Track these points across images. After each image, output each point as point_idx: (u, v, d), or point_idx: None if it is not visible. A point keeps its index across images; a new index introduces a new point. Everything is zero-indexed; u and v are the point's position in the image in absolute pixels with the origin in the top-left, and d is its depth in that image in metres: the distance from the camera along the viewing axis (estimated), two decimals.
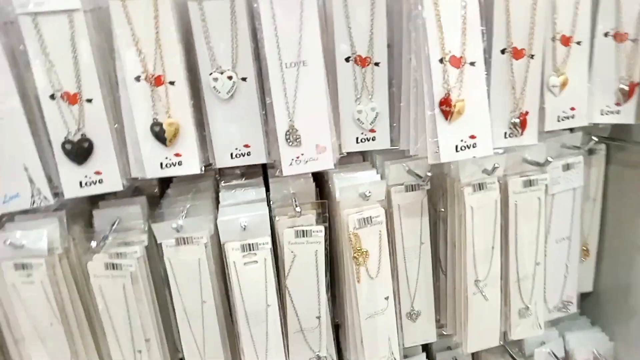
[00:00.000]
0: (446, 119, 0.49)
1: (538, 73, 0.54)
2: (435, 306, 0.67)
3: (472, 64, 0.49)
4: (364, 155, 0.66)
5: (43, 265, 0.52)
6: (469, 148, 0.51)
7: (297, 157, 0.52)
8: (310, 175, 0.61)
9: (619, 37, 0.59)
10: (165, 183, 0.66)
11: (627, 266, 0.70)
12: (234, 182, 0.62)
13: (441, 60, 0.49)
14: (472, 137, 0.50)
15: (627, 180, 0.68)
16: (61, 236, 0.54)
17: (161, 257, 0.55)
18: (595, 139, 0.61)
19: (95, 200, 0.59)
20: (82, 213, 0.59)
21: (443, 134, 0.49)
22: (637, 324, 0.69)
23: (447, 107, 0.49)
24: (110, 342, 0.56)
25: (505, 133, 0.55)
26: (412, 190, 0.61)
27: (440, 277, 0.68)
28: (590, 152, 0.68)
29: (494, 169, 0.56)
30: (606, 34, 0.59)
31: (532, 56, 0.53)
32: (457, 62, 0.49)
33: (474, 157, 0.51)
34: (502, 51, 0.53)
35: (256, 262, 0.55)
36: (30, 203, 0.49)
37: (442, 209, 0.64)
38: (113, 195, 0.62)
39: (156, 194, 0.66)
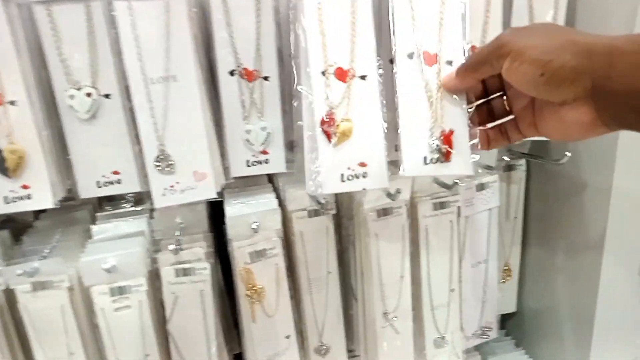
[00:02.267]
0: (329, 141, 0.43)
1: None
2: (348, 336, 0.62)
3: (362, 77, 0.44)
4: (269, 177, 0.60)
5: None
6: (357, 178, 0.44)
7: (171, 186, 0.45)
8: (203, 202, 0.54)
9: None
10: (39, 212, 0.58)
11: (548, 286, 0.67)
12: (115, 210, 0.55)
13: (323, 73, 0.42)
14: (362, 164, 0.44)
15: (547, 197, 0.65)
16: None
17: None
18: (507, 158, 0.57)
19: None
20: None
21: (325, 159, 0.43)
22: (559, 344, 0.67)
23: (329, 127, 0.43)
24: None
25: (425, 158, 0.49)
26: (316, 216, 0.55)
27: (353, 305, 0.62)
28: (510, 168, 0.65)
29: (397, 193, 0.51)
30: None
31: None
32: (343, 75, 0.43)
33: (364, 189, 0.45)
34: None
35: (129, 307, 0.48)
36: None
37: (351, 234, 0.59)
38: None
39: (30, 223, 0.58)
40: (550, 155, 0.60)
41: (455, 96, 0.43)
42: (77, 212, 0.56)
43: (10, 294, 0.47)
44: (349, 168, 0.43)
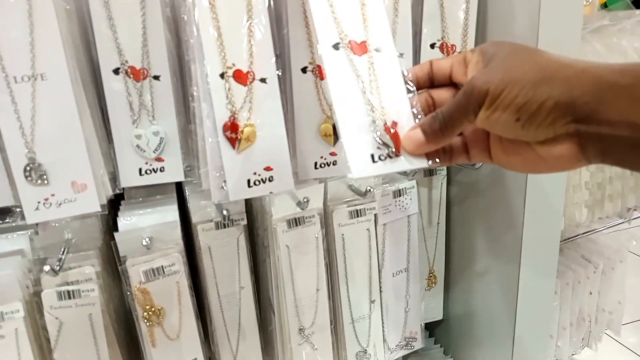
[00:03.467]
0: (233, 147, 0.40)
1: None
2: (267, 353, 0.58)
3: (262, 80, 0.41)
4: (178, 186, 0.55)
5: None
6: (264, 182, 0.41)
7: (46, 199, 0.40)
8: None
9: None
10: None
11: (472, 291, 0.66)
12: None
13: (222, 76, 0.39)
14: (268, 168, 0.41)
15: (468, 202, 0.64)
16: None
17: None
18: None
19: None
20: None
21: (230, 166, 0.40)
22: (485, 350, 0.66)
23: (233, 134, 0.40)
24: None
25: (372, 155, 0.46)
26: (225, 228, 0.51)
27: (272, 320, 0.59)
28: (430, 173, 0.64)
29: (305, 202, 0.48)
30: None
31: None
32: (243, 78, 0.40)
33: (271, 192, 0.42)
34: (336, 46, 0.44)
35: (3, 337, 0.42)
36: None
37: (267, 245, 0.55)
38: None
39: None
40: None
41: (394, 84, 0.38)
42: None
43: None
44: (255, 173, 0.40)
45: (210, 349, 0.54)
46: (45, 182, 0.40)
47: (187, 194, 0.51)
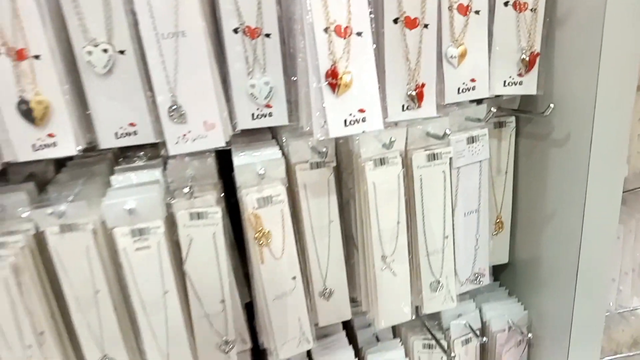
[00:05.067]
0: (333, 91, 0.48)
1: (433, 43, 0.53)
2: (349, 284, 0.66)
3: (358, 34, 0.48)
4: (272, 132, 0.64)
5: None
6: (358, 122, 0.49)
7: (184, 135, 0.50)
8: (212, 154, 0.58)
9: (518, 6, 0.58)
10: (60, 167, 0.62)
11: (538, 237, 0.71)
12: (131, 164, 0.59)
13: (326, 30, 0.47)
14: (361, 110, 0.49)
15: (537, 152, 0.69)
16: None
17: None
18: (494, 109, 0.61)
19: None
20: None
21: (331, 107, 0.48)
22: (548, 293, 0.71)
23: (333, 80, 0.47)
24: None
25: (403, 106, 0.54)
26: (318, 168, 0.59)
27: (354, 255, 0.67)
28: (500, 125, 0.69)
29: (391, 142, 0.55)
30: (506, 3, 0.58)
31: (426, 26, 0.52)
32: (342, 32, 0.47)
33: (364, 131, 0.50)
34: (395, 20, 0.51)
35: (149, 247, 0.53)
36: None
37: (351, 187, 0.63)
38: (5, 181, 0.58)
39: (51, 176, 0.62)
40: (537, 109, 0.64)
41: (431, 55, 0.52)
42: (95, 166, 0.61)
43: (40, 237, 0.52)
44: (350, 114, 0.48)
45: (304, 271, 0.62)
46: (184, 121, 0.49)
47: (284, 139, 0.59)
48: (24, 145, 0.47)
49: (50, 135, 0.47)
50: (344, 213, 0.64)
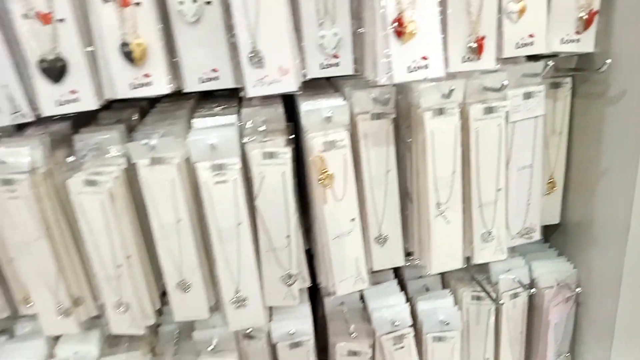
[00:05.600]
0: (399, 39, 0.52)
1: None
2: (403, 234, 0.70)
3: None
4: (335, 87, 0.69)
5: (26, 181, 0.56)
6: (420, 69, 0.53)
7: (261, 79, 0.55)
8: (280, 102, 0.64)
9: None
10: (144, 115, 0.70)
11: (591, 197, 0.72)
12: (209, 111, 0.65)
13: None
14: (424, 58, 0.53)
15: (592, 112, 0.70)
16: (44, 157, 0.58)
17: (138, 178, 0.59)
18: (551, 63, 0.63)
19: (79, 125, 0.63)
20: (64, 140, 0.63)
21: (395, 54, 0.52)
22: (598, 252, 0.72)
23: (400, 28, 0.51)
24: (92, 257, 0.60)
25: (463, 57, 0.57)
26: (378, 119, 0.63)
27: (408, 207, 0.71)
28: (556, 85, 0.70)
29: (450, 92, 0.59)
30: None
31: None
32: None
33: (426, 78, 0.53)
34: None
35: (226, 182, 0.59)
36: (10, 120, 0.53)
37: (409, 139, 0.67)
38: (95, 123, 0.66)
39: (135, 123, 0.69)
40: (593, 68, 0.65)
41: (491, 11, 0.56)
42: (176, 112, 0.67)
43: (131, 170, 0.59)
44: (413, 61, 0.52)
45: (362, 217, 0.67)
46: (262, 66, 0.54)
47: (347, 90, 0.63)
48: (123, 83, 0.54)
49: (146, 76, 0.54)
50: (400, 166, 0.68)
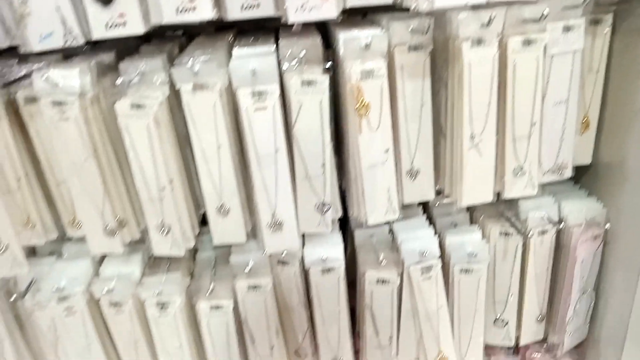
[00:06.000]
0: None
1: None
2: (435, 169, 0.72)
3: None
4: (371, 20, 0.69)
5: (76, 102, 0.58)
6: None
7: (302, 5, 0.56)
8: (317, 32, 0.64)
9: None
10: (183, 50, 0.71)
11: (624, 137, 0.72)
12: (247, 42, 0.66)
13: None
14: None
15: (631, 50, 0.69)
16: (92, 82, 0.60)
17: (180, 104, 0.61)
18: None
19: (122, 57, 0.65)
20: (109, 69, 0.65)
21: None
22: (629, 192, 0.73)
23: None
24: (136, 179, 0.63)
25: None
26: (415, 51, 0.64)
27: (441, 143, 0.72)
28: (596, 22, 0.69)
29: (490, 21, 0.58)
30: None
31: None
32: None
33: (467, 3, 0.53)
34: None
35: (265, 108, 0.60)
36: (62, 42, 0.55)
37: (445, 74, 0.67)
38: (138, 54, 0.68)
39: (176, 56, 0.71)
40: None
41: None
42: (216, 43, 0.69)
43: (174, 97, 0.62)
44: None
45: (395, 149, 0.68)
46: None
47: (385, 21, 0.64)
48: (169, 8, 0.55)
49: (191, 1, 0.55)
50: (434, 103, 0.68)
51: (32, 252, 0.76)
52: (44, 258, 0.76)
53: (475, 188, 0.68)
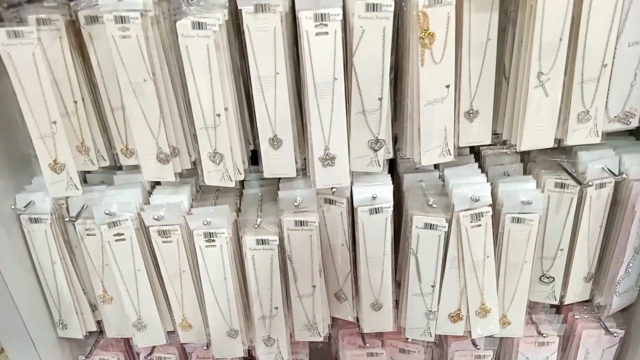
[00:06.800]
0: None
1: None
2: (493, 113, 0.69)
3: None
4: None
5: (139, 19, 0.58)
6: None
7: None
8: None
9: None
10: None
11: None
12: None
13: None
14: None
15: None
16: (153, 2, 0.59)
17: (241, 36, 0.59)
18: None
19: None
20: None
21: None
22: None
23: None
24: (193, 103, 0.63)
25: None
26: None
27: (503, 85, 0.69)
28: None
29: None
30: None
31: None
32: None
33: None
34: None
35: (327, 33, 0.58)
36: None
37: (512, 10, 0.64)
38: None
39: None
40: None
41: None
42: None
43: (234, 21, 0.60)
44: None
45: (456, 87, 0.65)
46: None
47: None
48: None
49: None
50: (500, 40, 0.65)
51: (83, 179, 0.77)
52: (96, 186, 0.77)
53: (537, 132, 0.66)
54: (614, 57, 0.63)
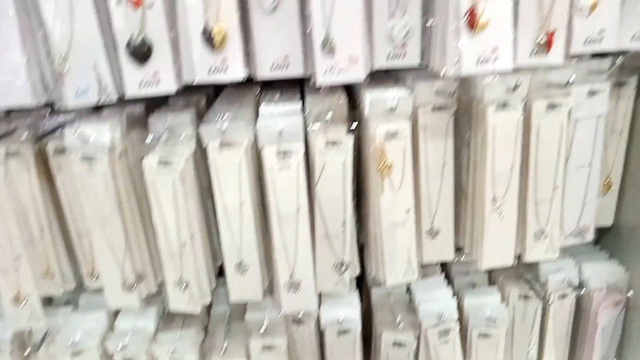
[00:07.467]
0: (470, 31, 0.53)
1: None
2: (455, 228, 0.71)
3: None
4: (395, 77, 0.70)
5: (105, 157, 0.59)
6: (489, 61, 0.54)
7: (331, 67, 0.57)
8: (343, 91, 0.65)
9: None
10: (210, 101, 0.72)
11: None
12: (273, 99, 0.67)
13: None
14: (494, 50, 0.54)
15: None
16: (121, 136, 0.61)
17: (206, 161, 0.61)
18: (620, 59, 0.62)
19: (150, 111, 0.66)
20: (137, 121, 0.66)
21: (466, 46, 0.53)
22: None
23: (472, 19, 0.52)
24: (159, 235, 0.63)
25: (531, 51, 0.57)
26: (439, 111, 0.64)
27: (461, 202, 0.71)
28: (620, 84, 0.70)
29: (516, 87, 0.59)
30: None
31: None
32: None
33: (494, 70, 0.54)
34: None
35: (289, 167, 0.61)
36: (97, 99, 0.56)
37: (467, 134, 0.68)
38: (166, 107, 0.69)
39: (203, 109, 0.72)
40: None
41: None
42: (243, 98, 0.70)
43: (200, 153, 0.62)
44: (483, 53, 0.52)
45: (416, 209, 0.67)
46: (333, 54, 0.56)
47: (410, 80, 0.64)
48: (202, 68, 0.56)
49: (224, 61, 0.56)
50: (456, 162, 0.69)
51: (48, 301, 0.75)
52: (60, 308, 0.75)
53: (496, 251, 0.67)
54: (564, 180, 0.66)
